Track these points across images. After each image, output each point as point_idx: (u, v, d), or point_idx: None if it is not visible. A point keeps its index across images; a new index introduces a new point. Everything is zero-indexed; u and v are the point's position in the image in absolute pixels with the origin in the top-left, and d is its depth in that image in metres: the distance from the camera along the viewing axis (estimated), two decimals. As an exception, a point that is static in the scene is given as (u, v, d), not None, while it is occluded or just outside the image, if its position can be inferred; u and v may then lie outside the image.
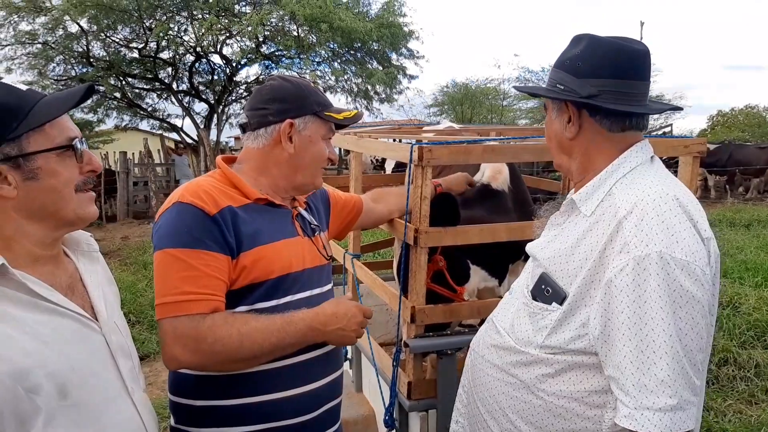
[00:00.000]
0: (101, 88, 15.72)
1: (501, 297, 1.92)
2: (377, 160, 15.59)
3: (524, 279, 1.45)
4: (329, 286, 1.69)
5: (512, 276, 2.22)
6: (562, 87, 1.34)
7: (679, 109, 1.51)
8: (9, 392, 0.98)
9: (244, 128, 1.62)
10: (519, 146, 2.01)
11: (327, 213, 1.87)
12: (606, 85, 1.29)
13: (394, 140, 3.54)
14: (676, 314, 1.12)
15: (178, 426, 1.54)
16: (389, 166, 13.54)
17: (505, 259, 2.19)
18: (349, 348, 2.68)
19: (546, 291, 1.33)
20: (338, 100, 17.48)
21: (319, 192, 1.85)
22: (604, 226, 1.24)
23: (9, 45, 15.18)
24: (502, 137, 2.50)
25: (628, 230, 1.18)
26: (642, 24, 22.29)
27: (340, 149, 16.11)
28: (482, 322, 2.29)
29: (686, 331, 1.13)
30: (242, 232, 1.45)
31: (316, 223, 1.70)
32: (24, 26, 14.92)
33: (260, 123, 1.58)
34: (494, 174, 2.24)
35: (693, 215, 1.21)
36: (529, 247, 1.47)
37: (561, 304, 1.28)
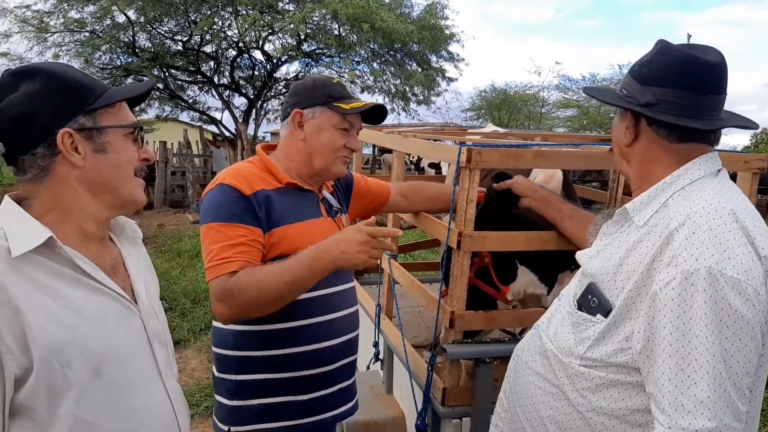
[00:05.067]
0: (145, 78, 16.06)
1: (545, 308, 1.87)
2: (411, 161, 15.56)
3: (573, 287, 1.42)
4: None
5: (559, 286, 2.15)
6: (626, 92, 1.32)
7: (753, 126, 1.39)
8: (44, 364, 1.00)
9: None
10: (571, 153, 1.96)
11: (348, 196, 2.03)
12: (666, 94, 1.24)
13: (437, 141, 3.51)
14: (722, 334, 1.07)
15: (219, 375, 1.78)
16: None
17: (555, 265, 2.13)
18: (381, 349, 2.66)
19: (592, 302, 1.29)
20: (375, 100, 17.50)
21: (345, 176, 2.01)
22: (654, 237, 1.20)
23: (58, 32, 15.60)
24: (550, 143, 2.44)
25: (678, 243, 1.13)
26: (689, 36, 21.79)
27: (373, 148, 16.18)
28: (523, 331, 2.26)
29: (732, 353, 1.08)
30: (273, 211, 1.66)
31: (338, 206, 1.89)
32: (73, 14, 15.33)
33: (283, 115, 1.82)
34: (547, 178, 2.18)
35: (750, 231, 1.14)
36: (579, 255, 1.44)
37: (606, 316, 1.24)
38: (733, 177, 1.99)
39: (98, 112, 1.13)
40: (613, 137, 1.42)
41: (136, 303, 1.20)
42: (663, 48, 1.28)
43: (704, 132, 1.27)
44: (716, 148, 1.33)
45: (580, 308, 1.33)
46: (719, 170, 1.29)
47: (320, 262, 1.54)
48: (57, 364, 1.01)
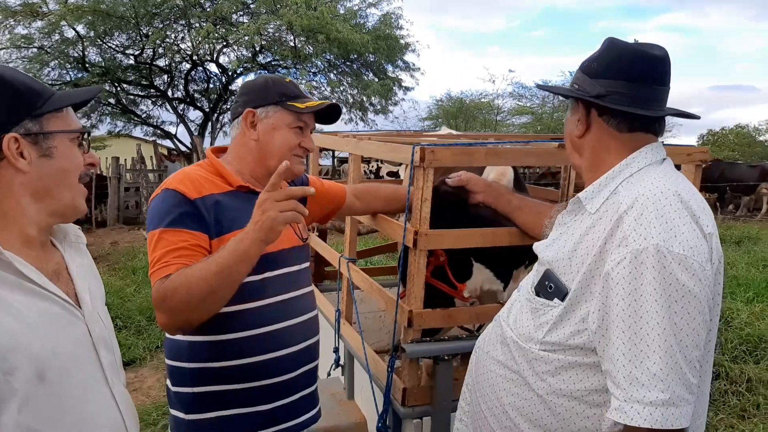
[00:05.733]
0: (96, 93, 15.68)
1: (502, 304, 1.89)
2: (371, 171, 15.58)
3: (531, 276, 1.46)
4: (305, 265, 1.85)
5: (515, 283, 2.18)
6: (577, 86, 1.38)
7: (694, 117, 1.48)
8: None
9: None
10: (522, 149, 1.99)
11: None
12: (615, 86, 1.30)
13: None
14: (672, 308, 1.12)
15: (174, 388, 1.70)
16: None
17: (509, 262, 2.15)
18: (341, 354, 2.63)
19: (549, 287, 1.33)
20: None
21: (300, 178, 1.97)
22: (606, 221, 1.25)
23: (4, 48, 15.13)
24: (503, 141, 2.47)
25: (628, 224, 1.19)
26: (635, 41, 22.48)
27: (333, 160, 16.12)
28: (480, 328, 2.27)
29: (681, 326, 1.12)
30: (223, 216, 1.60)
31: None
32: (20, 30, 14.89)
33: (233, 115, 1.76)
34: (499, 176, 2.21)
35: (695, 210, 1.21)
36: (536, 246, 1.48)
37: (563, 300, 1.29)
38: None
39: (44, 117, 1.11)
40: (565, 131, 1.46)
41: (80, 308, 1.17)
42: (611, 44, 1.35)
43: (651, 122, 1.33)
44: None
45: (537, 294, 1.37)
46: (664, 159, 1.36)
47: (242, 243, 1.45)
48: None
